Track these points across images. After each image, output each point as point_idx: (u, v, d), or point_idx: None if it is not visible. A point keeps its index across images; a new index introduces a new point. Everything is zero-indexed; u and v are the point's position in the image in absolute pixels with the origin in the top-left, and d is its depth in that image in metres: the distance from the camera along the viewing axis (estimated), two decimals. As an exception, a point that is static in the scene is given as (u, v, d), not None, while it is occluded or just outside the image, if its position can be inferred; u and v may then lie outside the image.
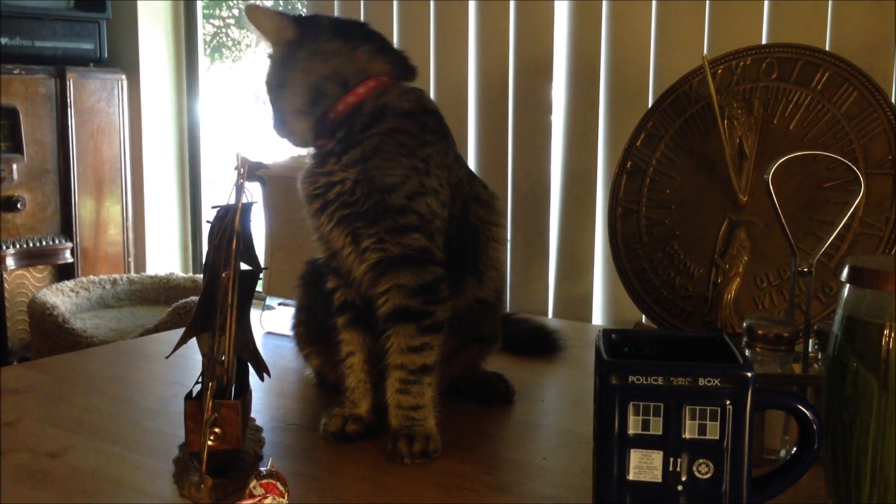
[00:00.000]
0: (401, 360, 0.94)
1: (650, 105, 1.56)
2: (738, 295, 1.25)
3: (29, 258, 2.62)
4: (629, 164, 1.37)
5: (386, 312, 0.95)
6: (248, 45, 3.21)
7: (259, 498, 0.77)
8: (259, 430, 1.01)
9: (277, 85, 1.02)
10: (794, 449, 0.73)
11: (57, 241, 2.67)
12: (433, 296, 0.95)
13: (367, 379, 1.01)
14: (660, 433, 0.68)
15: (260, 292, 1.32)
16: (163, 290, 2.63)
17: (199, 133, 2.95)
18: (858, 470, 0.72)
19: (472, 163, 1.92)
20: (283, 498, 0.78)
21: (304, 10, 2.26)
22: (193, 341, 0.89)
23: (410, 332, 0.94)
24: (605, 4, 1.73)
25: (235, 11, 3.25)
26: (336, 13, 2.13)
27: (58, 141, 2.64)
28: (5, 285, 2.58)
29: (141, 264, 2.91)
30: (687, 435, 0.68)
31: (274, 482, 0.78)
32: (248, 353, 0.90)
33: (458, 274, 1.02)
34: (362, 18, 2.09)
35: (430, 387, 0.95)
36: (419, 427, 0.94)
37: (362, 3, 2.08)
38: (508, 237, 1.89)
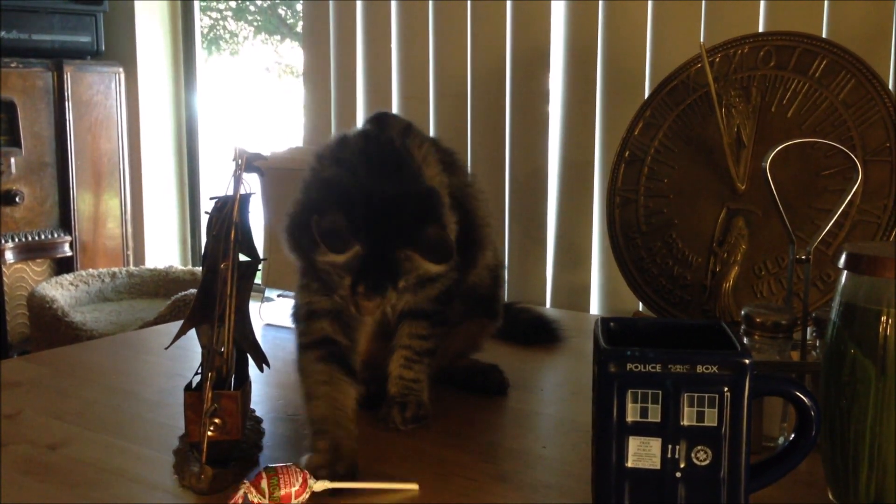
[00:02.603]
0: (409, 342, 1.03)
1: (647, 94, 1.56)
2: (736, 283, 1.26)
3: (28, 252, 2.62)
4: (627, 153, 1.36)
5: (401, 310, 1.03)
6: (245, 38, 3.20)
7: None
8: (259, 420, 1.01)
9: None
10: (793, 435, 0.73)
11: (56, 235, 2.67)
12: (446, 298, 1.04)
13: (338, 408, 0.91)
14: (658, 420, 0.69)
15: (259, 284, 1.32)
16: (162, 283, 2.62)
17: (196, 125, 2.95)
18: (856, 456, 0.72)
19: (469, 153, 1.92)
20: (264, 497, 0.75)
21: (300, 4, 2.25)
22: (193, 334, 0.89)
23: (423, 325, 1.03)
24: (602, -7, 1.72)
25: (233, 3, 3.24)
26: (332, 6, 2.13)
27: (56, 134, 2.63)
28: (4, 279, 2.58)
29: (140, 257, 2.91)
30: (685, 422, 0.68)
31: (259, 479, 0.75)
32: (247, 344, 0.90)
33: (469, 253, 1.06)
34: (360, 10, 2.08)
35: (429, 367, 1.04)
36: (414, 395, 1.01)
37: (359, -6, 2.08)
38: (506, 226, 1.89)
